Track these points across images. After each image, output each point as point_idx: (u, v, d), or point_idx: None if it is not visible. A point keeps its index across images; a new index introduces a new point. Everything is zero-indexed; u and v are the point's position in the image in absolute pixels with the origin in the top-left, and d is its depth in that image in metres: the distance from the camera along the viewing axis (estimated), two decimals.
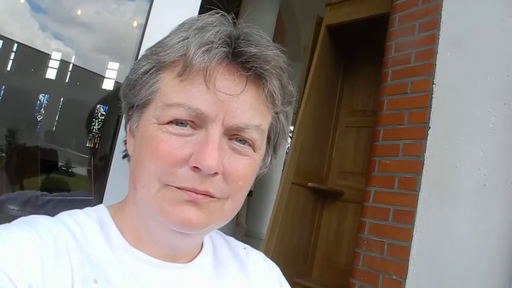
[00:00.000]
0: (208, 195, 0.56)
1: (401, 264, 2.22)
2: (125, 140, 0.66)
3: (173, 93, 0.56)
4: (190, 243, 0.65)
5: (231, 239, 0.80)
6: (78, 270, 0.54)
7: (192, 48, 0.55)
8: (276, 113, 0.64)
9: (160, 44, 0.60)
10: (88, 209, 0.65)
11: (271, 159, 0.69)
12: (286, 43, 10.67)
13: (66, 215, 0.62)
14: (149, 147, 0.56)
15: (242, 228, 10.84)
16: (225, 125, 0.56)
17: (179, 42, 0.57)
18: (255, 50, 0.56)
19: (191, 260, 0.66)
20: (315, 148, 3.94)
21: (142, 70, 0.60)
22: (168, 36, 0.60)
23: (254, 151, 0.60)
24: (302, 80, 3.97)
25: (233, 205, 0.61)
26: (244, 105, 0.57)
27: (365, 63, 3.99)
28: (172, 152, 0.55)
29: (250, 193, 8.49)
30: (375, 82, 3.15)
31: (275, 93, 0.60)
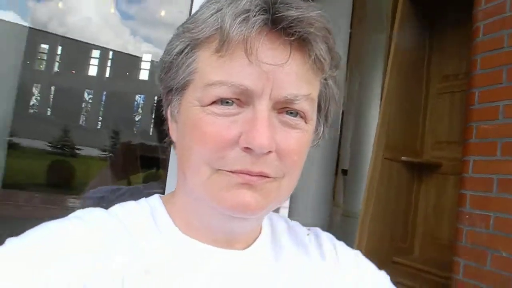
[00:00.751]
0: (263, 176, 0.54)
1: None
2: (168, 127, 0.64)
3: (213, 71, 0.53)
4: (247, 228, 0.62)
5: (294, 223, 0.75)
6: (129, 261, 0.54)
7: (228, 19, 0.51)
8: (325, 79, 0.59)
9: (192, 20, 0.56)
10: (141, 200, 0.64)
11: (323, 129, 0.65)
12: (367, 14, 10.20)
13: (119, 206, 0.62)
14: (195, 132, 0.54)
15: (340, 208, 10.72)
16: (273, 99, 0.53)
17: (212, 15, 0.54)
18: (297, 13, 0.51)
19: (249, 245, 0.64)
20: (405, 119, 3.73)
21: (176, 50, 0.57)
22: (199, 10, 0.56)
23: (306, 122, 0.57)
24: (386, 51, 3.76)
25: (290, 183, 0.58)
26: (290, 74, 0.53)
27: (453, 24, 3.67)
28: (219, 134, 0.52)
29: (345, 172, 8.24)
30: (466, 43, 2.87)
31: (322, 58, 0.55)
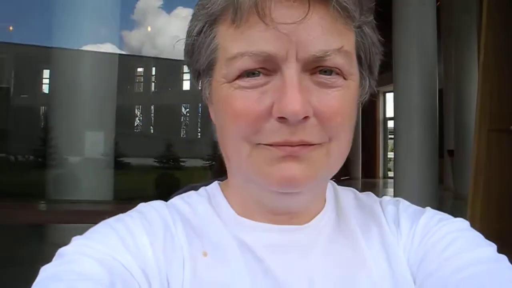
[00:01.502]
0: (306, 144, 0.50)
1: None
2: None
3: (232, 43, 0.50)
4: (303, 202, 0.58)
5: (365, 194, 0.69)
6: (186, 246, 0.55)
7: None
8: (359, 27, 0.53)
9: None
10: (201, 189, 0.65)
11: (369, 83, 0.59)
12: None
13: (178, 198, 0.63)
14: (226, 109, 0.52)
15: (451, 192, 10.06)
16: (300, 60, 0.48)
17: None
18: None
19: (311, 219, 0.60)
20: (509, 83, 3.35)
21: (196, 30, 0.55)
22: None
23: (345, 79, 0.52)
24: (477, 27, 3.45)
25: (340, 148, 0.53)
26: (314, 29, 0.48)
27: None
28: (250, 107, 0.49)
29: (451, 153, 7.81)
30: None
31: (347, 4, 0.49)
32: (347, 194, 0.67)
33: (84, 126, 6.23)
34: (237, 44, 0.50)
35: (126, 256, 0.51)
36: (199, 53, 0.55)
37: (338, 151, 0.53)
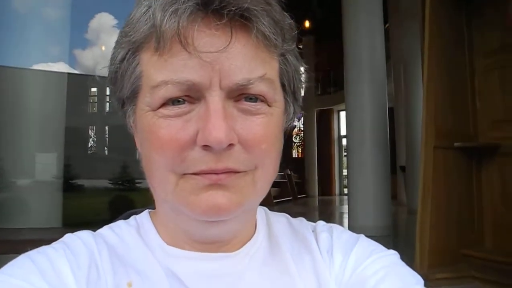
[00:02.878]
0: (231, 172, 0.50)
1: None
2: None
3: (156, 71, 0.50)
4: (230, 230, 0.57)
5: (298, 220, 0.68)
6: (111, 277, 0.53)
7: (158, 14, 0.47)
8: (282, 54, 0.54)
9: (127, 23, 0.53)
10: (131, 218, 0.63)
11: (294, 109, 0.59)
12: (400, 4, 9.96)
13: (106, 227, 0.61)
14: (151, 139, 0.51)
15: (404, 207, 10.35)
16: (224, 88, 0.49)
17: (144, 13, 0.50)
18: None
19: (241, 247, 0.59)
20: (453, 102, 3.51)
21: (119, 58, 0.54)
22: (132, 11, 0.53)
23: (269, 105, 0.52)
24: (421, 34, 3.59)
25: (266, 174, 0.53)
26: (237, 57, 0.49)
27: None
28: (174, 136, 0.49)
29: (403, 169, 8.05)
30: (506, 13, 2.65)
31: (269, 32, 0.50)
32: (280, 220, 0.66)
33: (33, 148, 6.00)
34: (160, 72, 0.49)
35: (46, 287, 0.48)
36: (123, 80, 0.54)
37: (264, 178, 0.53)
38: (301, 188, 17.15)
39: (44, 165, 6.17)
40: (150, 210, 0.64)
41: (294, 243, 0.62)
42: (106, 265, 0.54)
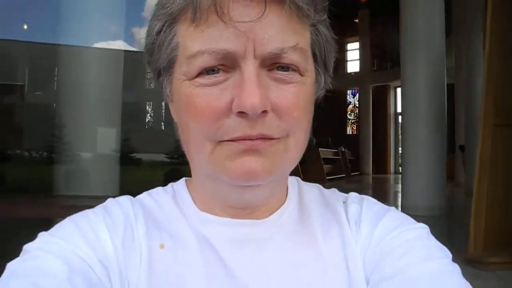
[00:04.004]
0: (265, 138, 0.51)
1: None
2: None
3: (192, 42, 0.52)
4: (263, 196, 0.59)
5: (330, 191, 0.69)
6: (145, 239, 0.57)
7: None
8: (313, 25, 0.55)
9: None
10: (169, 185, 0.67)
11: (325, 79, 0.61)
12: None
13: (145, 193, 0.65)
14: (187, 107, 0.53)
15: (462, 188, 9.96)
16: (258, 57, 0.50)
17: None
18: None
19: (272, 214, 0.61)
20: None
21: (156, 30, 0.56)
22: None
23: (301, 75, 0.53)
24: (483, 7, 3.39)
25: (297, 142, 0.55)
26: (271, 28, 0.50)
27: None
28: (210, 104, 0.51)
29: (462, 148, 7.69)
30: None
31: (302, 3, 0.51)
32: (312, 190, 0.67)
33: (94, 122, 6.30)
34: (197, 42, 0.51)
35: (87, 251, 0.53)
36: (159, 51, 0.56)
37: (295, 146, 0.55)
38: (354, 166, 16.95)
39: (104, 139, 6.48)
40: (186, 178, 0.66)
41: (324, 213, 0.63)
42: (141, 228, 0.58)
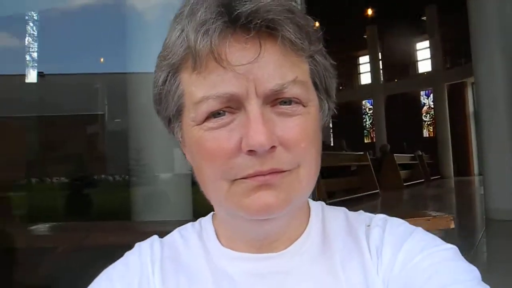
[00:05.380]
0: (277, 172, 0.53)
1: None
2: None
3: (196, 88, 0.55)
4: (281, 226, 0.60)
5: (357, 214, 0.68)
6: (160, 283, 0.61)
7: (191, 36, 0.52)
8: (310, 56, 0.57)
9: (164, 47, 0.59)
10: (198, 220, 0.70)
11: (328, 105, 0.62)
12: None
13: (176, 230, 0.69)
14: (199, 151, 0.56)
15: None
16: (260, 96, 0.53)
17: (178, 37, 0.55)
18: (250, 6, 0.51)
19: (292, 244, 0.62)
20: None
21: (161, 80, 0.59)
22: (167, 35, 0.58)
23: (304, 106, 0.55)
24: None
25: (309, 171, 0.56)
26: (268, 66, 0.53)
27: None
28: (221, 146, 0.53)
29: None
30: None
31: (295, 38, 0.53)
32: (337, 215, 0.67)
33: (171, 144, 6.52)
34: (200, 88, 0.54)
35: None
36: (167, 100, 0.59)
37: (308, 175, 0.56)
38: (434, 170, 16.14)
39: (174, 161, 6.69)
40: (213, 213, 0.68)
41: (346, 240, 0.63)
42: (157, 275, 0.62)
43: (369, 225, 0.64)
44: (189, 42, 0.52)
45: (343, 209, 0.69)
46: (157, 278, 0.62)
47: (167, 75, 0.58)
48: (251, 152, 0.52)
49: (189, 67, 0.55)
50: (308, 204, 0.66)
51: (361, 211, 0.68)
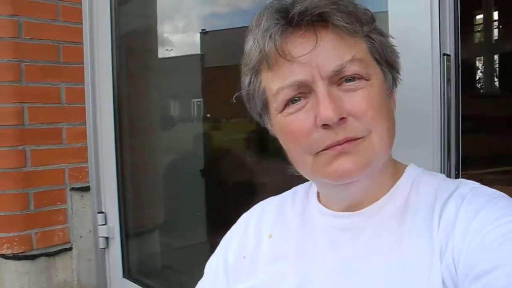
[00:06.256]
0: (351, 140, 0.61)
1: None
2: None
3: (273, 83, 0.66)
4: (363, 190, 0.67)
5: (449, 182, 0.68)
6: (259, 233, 0.79)
7: (260, 42, 0.64)
8: (365, 36, 0.65)
9: (244, 56, 0.71)
10: (310, 181, 0.82)
11: (393, 76, 0.69)
12: None
13: (292, 189, 0.86)
14: (285, 134, 0.67)
15: None
16: (324, 77, 0.61)
17: (252, 45, 0.67)
18: (299, 7, 0.61)
19: (372, 204, 0.69)
20: None
21: (246, 83, 0.72)
22: (245, 47, 0.70)
23: (366, 80, 0.63)
24: None
25: (381, 135, 0.63)
26: (326, 51, 0.61)
27: None
28: (301, 127, 0.63)
29: None
30: None
31: (346, 24, 0.61)
32: (429, 183, 0.68)
33: None
34: (276, 82, 0.65)
35: (236, 242, 0.83)
36: (254, 98, 0.72)
37: (380, 140, 0.63)
38: None
39: None
40: None
41: (424, 212, 0.64)
42: (266, 220, 0.80)
43: (450, 196, 0.64)
44: (260, 47, 0.64)
45: (440, 176, 0.71)
46: (266, 220, 0.79)
47: (251, 78, 0.70)
48: (325, 126, 0.60)
49: (265, 67, 0.66)
50: (398, 169, 0.71)
51: (461, 179, 0.69)
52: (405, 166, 0.72)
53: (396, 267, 0.61)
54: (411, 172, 0.71)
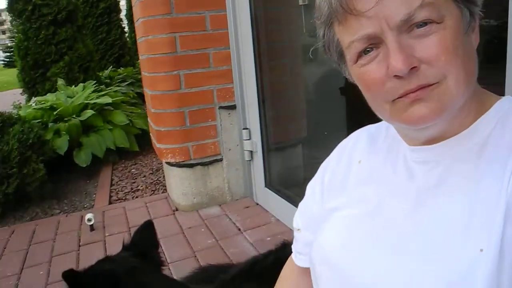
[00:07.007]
0: (424, 86, 0.61)
1: None
2: None
3: (345, 36, 0.67)
4: (439, 130, 0.68)
5: None
6: (351, 158, 0.85)
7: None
8: None
9: (315, 10, 0.71)
10: None
11: (470, 11, 0.64)
12: None
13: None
14: (361, 84, 0.69)
15: None
16: (393, 28, 0.60)
17: (321, 1, 0.68)
18: None
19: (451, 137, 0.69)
20: None
21: (321, 35, 0.73)
22: (316, 2, 0.70)
23: (438, 23, 0.60)
24: None
25: (457, 79, 0.61)
26: (392, 1, 0.60)
27: None
28: (373, 77, 0.65)
29: None
30: None
31: None
32: None
33: None
34: (346, 36, 0.66)
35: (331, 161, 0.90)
36: (330, 49, 0.73)
37: (456, 83, 0.61)
38: None
39: None
40: None
41: (503, 152, 0.62)
42: (358, 150, 0.84)
43: None
44: (328, 4, 0.65)
45: None
46: (359, 148, 0.84)
47: (324, 30, 0.72)
48: (397, 76, 0.61)
49: (336, 21, 0.67)
50: (485, 103, 0.69)
51: None
52: (497, 99, 0.68)
53: (468, 206, 0.62)
54: (501, 106, 0.67)
